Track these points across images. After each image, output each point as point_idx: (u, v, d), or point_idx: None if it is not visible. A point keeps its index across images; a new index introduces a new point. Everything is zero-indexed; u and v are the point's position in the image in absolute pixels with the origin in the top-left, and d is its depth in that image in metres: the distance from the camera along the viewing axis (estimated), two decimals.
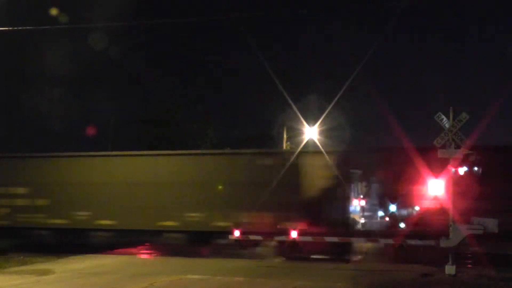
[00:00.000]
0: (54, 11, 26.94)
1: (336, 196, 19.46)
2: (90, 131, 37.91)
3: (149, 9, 55.77)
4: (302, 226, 18.61)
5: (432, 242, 16.55)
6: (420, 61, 73.20)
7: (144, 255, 20.93)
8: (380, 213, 21.18)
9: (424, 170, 16.74)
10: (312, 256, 18.87)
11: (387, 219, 20.74)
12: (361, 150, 20.99)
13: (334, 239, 18.43)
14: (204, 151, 27.00)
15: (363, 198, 21.38)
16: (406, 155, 17.49)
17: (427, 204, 18.13)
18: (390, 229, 19.67)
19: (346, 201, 19.86)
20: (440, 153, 15.51)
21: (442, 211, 16.25)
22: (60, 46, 37.25)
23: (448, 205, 15.56)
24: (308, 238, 18.64)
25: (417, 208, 19.53)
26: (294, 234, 18.45)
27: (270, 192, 18.96)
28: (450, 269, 14.98)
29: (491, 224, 15.37)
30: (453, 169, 15.87)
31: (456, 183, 15.81)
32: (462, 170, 17.94)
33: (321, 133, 36.08)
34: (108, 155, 22.86)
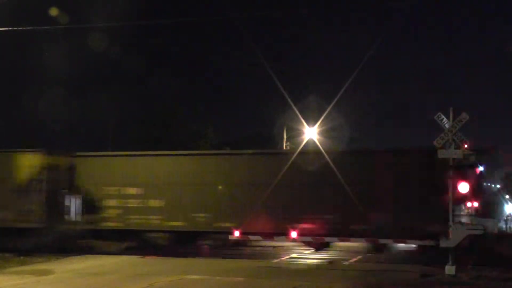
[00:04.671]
0: (54, 11, 26.97)
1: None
2: None
3: (150, 9, 55.83)
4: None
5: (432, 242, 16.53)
6: (420, 61, 73.27)
7: (144, 255, 20.88)
8: None
9: None
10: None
11: None
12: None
13: (334, 239, 18.45)
14: None
15: None
16: None
17: None
18: None
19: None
20: (440, 154, 15.49)
21: None
22: (60, 46, 37.32)
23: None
24: (308, 239, 18.63)
25: None
26: (294, 234, 18.42)
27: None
28: (450, 269, 14.96)
29: (491, 224, 15.37)
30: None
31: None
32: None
33: (321, 133, 36.12)
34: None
